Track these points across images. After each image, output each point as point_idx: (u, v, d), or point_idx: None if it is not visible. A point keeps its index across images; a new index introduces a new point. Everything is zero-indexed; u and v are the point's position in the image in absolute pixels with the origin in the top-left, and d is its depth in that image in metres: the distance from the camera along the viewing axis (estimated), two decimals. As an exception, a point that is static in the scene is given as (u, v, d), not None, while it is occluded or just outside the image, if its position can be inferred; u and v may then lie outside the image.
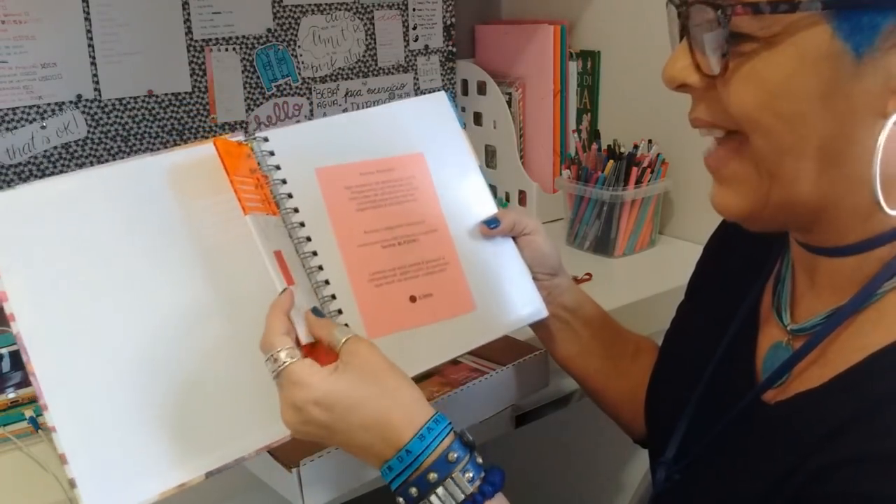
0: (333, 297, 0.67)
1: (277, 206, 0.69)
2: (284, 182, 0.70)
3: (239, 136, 0.70)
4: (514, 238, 0.80)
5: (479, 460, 0.59)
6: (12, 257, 0.59)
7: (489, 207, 0.80)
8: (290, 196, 0.69)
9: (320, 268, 0.68)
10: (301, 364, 0.59)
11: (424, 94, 1.53)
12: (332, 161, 0.73)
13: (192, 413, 0.61)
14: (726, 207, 0.58)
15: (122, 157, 1.23)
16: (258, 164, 0.70)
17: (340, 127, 0.76)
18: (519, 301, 0.78)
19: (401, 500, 0.58)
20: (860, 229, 0.55)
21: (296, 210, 0.69)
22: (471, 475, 0.58)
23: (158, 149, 1.27)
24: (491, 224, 0.78)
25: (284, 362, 0.59)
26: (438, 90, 1.56)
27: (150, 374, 0.61)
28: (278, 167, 0.70)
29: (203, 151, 0.68)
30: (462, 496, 0.57)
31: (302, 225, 0.69)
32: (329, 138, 0.74)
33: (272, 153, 0.70)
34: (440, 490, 0.57)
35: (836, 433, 0.51)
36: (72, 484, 0.57)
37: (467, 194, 0.79)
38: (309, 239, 0.69)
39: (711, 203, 0.59)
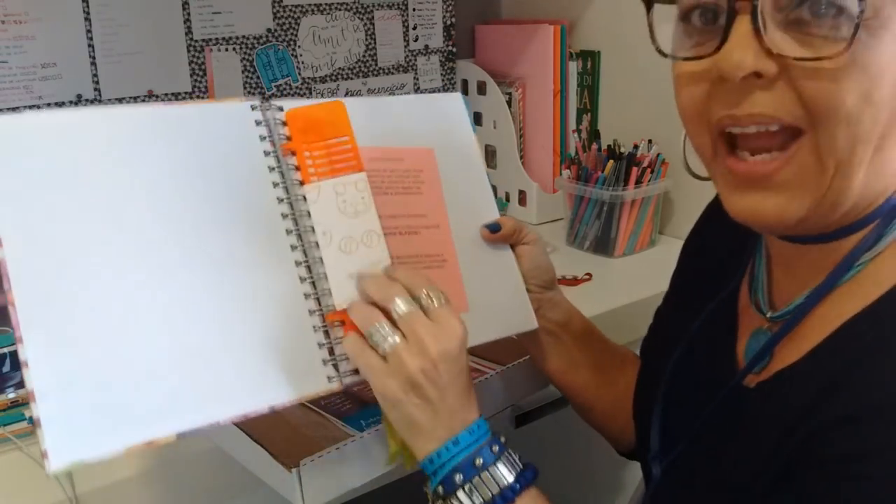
0: (327, 276, 0.67)
1: (284, 175, 0.68)
2: (293, 154, 0.69)
3: (254, 101, 0.69)
4: (512, 247, 0.80)
5: (517, 455, 0.62)
6: (6, 182, 0.57)
7: (492, 212, 0.79)
8: (297, 168, 0.68)
9: (317, 244, 0.67)
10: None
11: (425, 94, 1.54)
12: None
13: (172, 371, 0.59)
14: (781, 217, 0.53)
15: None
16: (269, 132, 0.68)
17: (357, 109, 0.74)
18: (511, 309, 0.78)
19: (441, 488, 0.61)
20: (851, 213, 0.55)
21: (301, 183, 0.68)
22: (510, 466, 0.61)
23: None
24: (493, 228, 0.77)
25: (443, 298, 0.62)
26: (439, 90, 1.57)
27: (133, 324, 0.58)
28: (289, 138, 0.69)
29: (222, 110, 0.67)
30: (505, 483, 0.60)
31: (305, 199, 0.68)
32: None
33: (285, 123, 0.69)
34: (484, 475, 0.60)
35: (820, 399, 0.52)
36: (36, 423, 0.53)
37: (472, 196, 0.79)
38: (309, 215, 0.68)
39: (749, 215, 0.54)
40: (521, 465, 0.62)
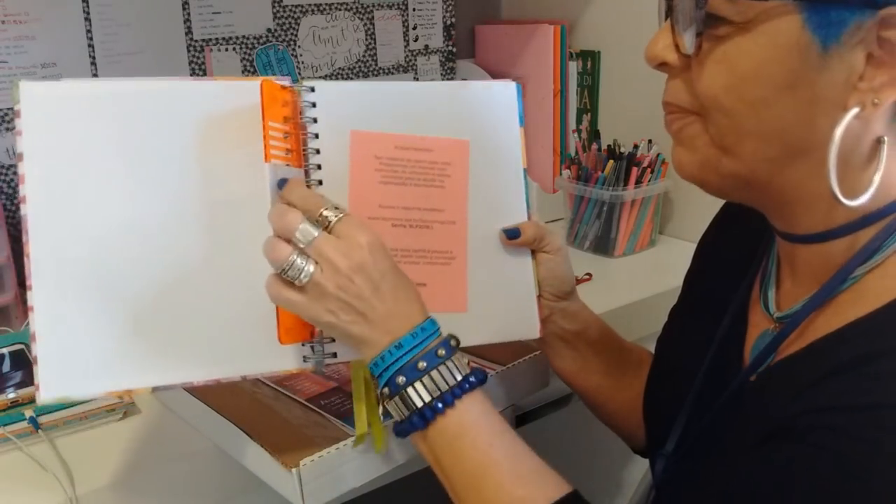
0: None
1: (304, 159, 0.68)
2: (317, 136, 0.68)
3: (285, 81, 0.68)
4: (533, 252, 0.78)
5: (465, 360, 0.63)
6: (38, 144, 0.62)
7: (520, 214, 0.77)
8: (317, 152, 0.68)
9: None
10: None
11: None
12: (372, 126, 0.71)
13: (157, 331, 0.64)
14: (680, 166, 0.61)
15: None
16: (296, 112, 0.68)
17: (391, 93, 0.73)
18: (514, 316, 0.77)
19: (386, 389, 0.62)
20: (828, 216, 0.57)
21: (318, 167, 0.68)
22: (456, 370, 0.62)
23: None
24: (510, 234, 0.76)
25: (340, 213, 0.62)
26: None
27: (127, 286, 0.64)
28: (315, 120, 0.68)
29: (243, 89, 0.67)
30: (446, 385, 0.61)
31: (320, 183, 0.68)
32: (377, 103, 0.72)
33: (313, 105, 0.68)
34: (426, 378, 0.61)
35: (803, 393, 0.53)
36: (34, 361, 0.61)
37: (501, 195, 0.77)
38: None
39: (671, 162, 0.62)
40: (467, 370, 0.63)
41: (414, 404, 0.61)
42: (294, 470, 0.65)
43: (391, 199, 0.71)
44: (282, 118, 0.66)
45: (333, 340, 0.67)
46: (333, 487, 0.69)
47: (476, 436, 0.61)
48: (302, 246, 0.61)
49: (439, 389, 0.61)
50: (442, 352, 0.62)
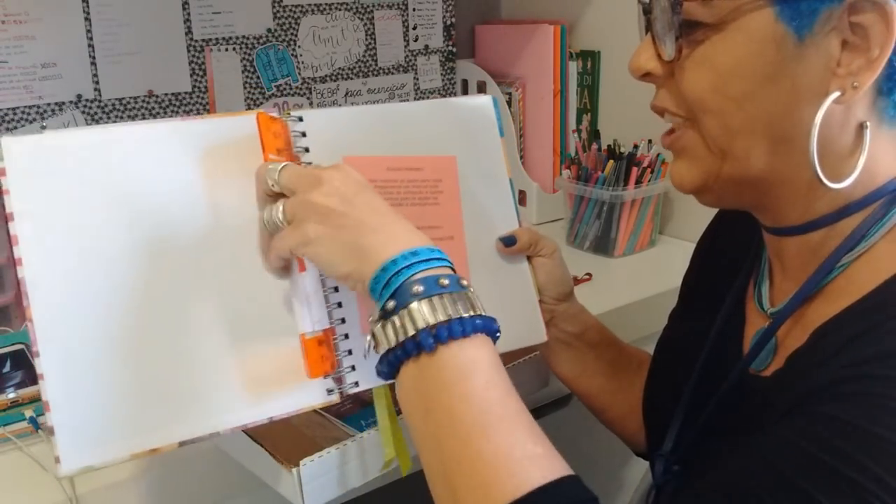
0: (336, 289, 0.67)
1: None
2: (310, 165, 0.68)
3: (273, 112, 0.68)
4: (528, 258, 0.79)
5: (479, 304, 0.55)
6: (27, 203, 0.59)
7: (511, 223, 0.79)
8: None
9: None
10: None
11: (424, 94, 1.55)
12: (363, 151, 0.71)
13: (176, 383, 0.61)
14: (681, 180, 0.61)
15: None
16: (289, 143, 0.68)
17: (378, 117, 0.74)
18: (520, 322, 0.77)
19: (391, 302, 0.54)
20: (815, 205, 0.58)
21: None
22: (479, 305, 0.54)
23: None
24: (507, 242, 0.77)
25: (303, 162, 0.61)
26: (439, 90, 1.57)
27: (141, 339, 0.61)
28: (307, 150, 0.68)
29: (238, 123, 0.67)
30: (467, 312, 0.53)
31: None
32: (364, 127, 0.73)
33: (303, 134, 0.69)
34: (447, 297, 0.53)
35: (824, 365, 0.53)
36: (50, 432, 0.57)
37: (491, 206, 0.78)
38: None
39: (670, 177, 0.63)
40: (485, 311, 0.55)
41: (426, 320, 0.52)
42: (294, 470, 0.66)
43: None
44: (275, 149, 0.66)
45: (354, 369, 0.65)
46: (333, 487, 0.69)
47: (490, 378, 0.52)
48: (272, 184, 0.60)
49: (460, 313, 0.53)
50: (465, 282, 0.55)
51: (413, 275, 0.54)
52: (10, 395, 0.83)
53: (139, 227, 0.62)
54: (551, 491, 0.48)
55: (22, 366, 0.87)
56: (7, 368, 0.87)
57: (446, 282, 0.54)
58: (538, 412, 0.96)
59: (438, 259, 0.56)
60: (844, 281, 0.57)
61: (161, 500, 0.77)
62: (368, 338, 0.55)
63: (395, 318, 0.53)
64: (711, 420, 0.65)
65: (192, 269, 0.63)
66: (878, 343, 0.50)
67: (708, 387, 0.66)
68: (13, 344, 0.87)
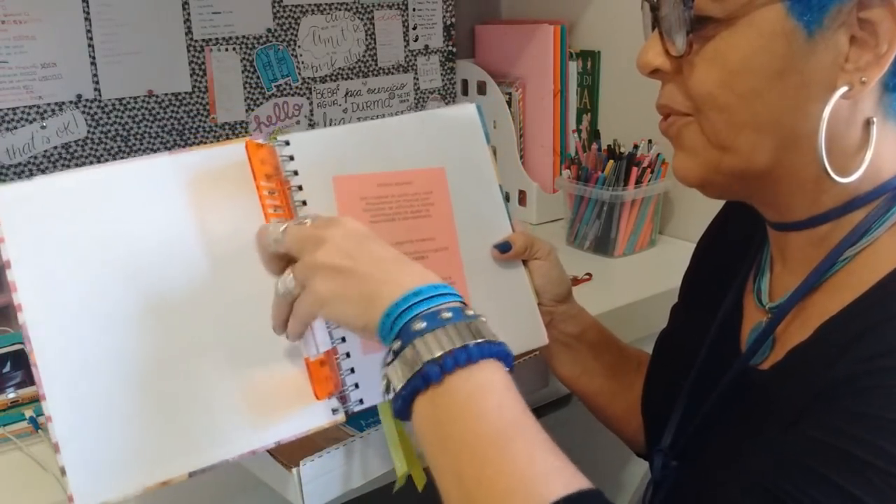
0: None
1: (294, 212, 0.68)
2: (300, 188, 0.69)
3: (259, 138, 0.69)
4: (524, 262, 0.79)
5: (486, 330, 0.54)
6: (22, 249, 0.59)
7: (504, 228, 0.79)
8: (304, 203, 0.69)
9: None
10: None
11: (424, 94, 1.55)
12: (352, 169, 0.72)
13: (183, 414, 0.62)
14: (684, 174, 0.62)
15: (123, 157, 1.23)
16: (277, 168, 0.68)
17: (365, 134, 0.74)
18: (520, 327, 0.78)
19: (397, 342, 0.54)
20: (821, 200, 0.58)
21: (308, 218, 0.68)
22: (486, 330, 0.54)
23: (159, 149, 1.27)
24: (502, 248, 0.77)
25: (307, 219, 0.61)
26: (439, 90, 1.57)
27: (146, 373, 0.61)
28: (296, 172, 0.69)
29: (227, 151, 0.67)
30: (472, 339, 0.52)
31: None
32: (351, 145, 0.73)
33: (291, 158, 0.69)
34: (450, 328, 0.52)
35: (835, 363, 0.53)
36: (62, 472, 0.58)
37: (484, 213, 0.78)
38: None
39: (673, 169, 0.63)
40: (494, 338, 0.54)
41: (431, 352, 0.52)
42: (294, 470, 0.66)
43: (384, 237, 0.71)
44: (264, 176, 0.67)
45: (357, 386, 0.66)
46: (333, 487, 0.69)
47: (503, 398, 0.52)
48: (275, 243, 0.61)
49: (465, 341, 0.52)
50: (470, 311, 0.55)
51: (415, 314, 0.54)
52: (10, 395, 0.83)
53: (137, 263, 0.62)
54: (576, 500, 0.46)
55: (22, 366, 0.87)
56: (7, 368, 0.87)
57: (448, 314, 0.53)
58: (538, 412, 0.95)
59: (443, 294, 0.55)
60: (845, 274, 0.57)
61: (161, 500, 0.77)
62: (383, 381, 0.56)
63: (402, 357, 0.53)
64: (710, 415, 0.65)
65: (192, 301, 0.63)
66: (889, 338, 0.50)
67: (707, 382, 0.67)
68: (13, 344, 0.87)
